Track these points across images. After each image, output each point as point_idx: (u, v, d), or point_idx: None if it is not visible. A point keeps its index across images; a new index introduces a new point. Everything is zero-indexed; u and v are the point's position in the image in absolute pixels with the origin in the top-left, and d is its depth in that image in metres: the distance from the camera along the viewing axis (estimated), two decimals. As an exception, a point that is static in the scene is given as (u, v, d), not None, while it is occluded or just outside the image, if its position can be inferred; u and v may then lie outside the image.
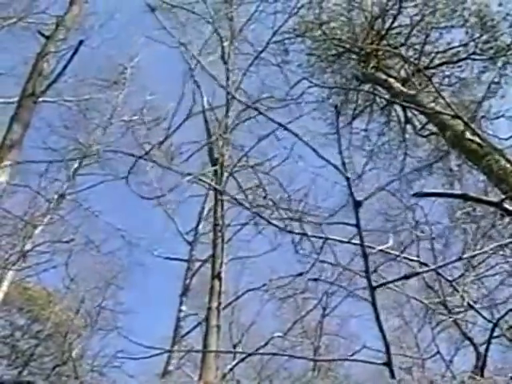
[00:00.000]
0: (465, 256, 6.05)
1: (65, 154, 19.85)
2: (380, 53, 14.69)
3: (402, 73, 14.75)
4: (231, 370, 15.88)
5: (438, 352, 12.05)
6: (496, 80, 13.80)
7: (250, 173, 14.29)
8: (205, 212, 19.93)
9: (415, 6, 14.61)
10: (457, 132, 10.47)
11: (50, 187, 19.23)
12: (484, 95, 13.02)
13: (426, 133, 14.58)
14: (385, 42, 14.89)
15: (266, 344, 17.60)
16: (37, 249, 18.11)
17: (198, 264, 19.18)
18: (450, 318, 9.45)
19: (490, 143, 10.37)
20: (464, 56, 14.59)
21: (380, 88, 14.99)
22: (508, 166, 9.47)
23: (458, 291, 7.39)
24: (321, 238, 5.00)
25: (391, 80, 14.11)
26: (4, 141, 9.36)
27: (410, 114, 15.39)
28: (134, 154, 9.82)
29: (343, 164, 3.54)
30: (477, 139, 10.22)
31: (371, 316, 3.62)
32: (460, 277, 8.83)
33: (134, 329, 18.42)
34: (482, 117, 13.55)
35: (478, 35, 14.27)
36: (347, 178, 3.51)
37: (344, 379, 22.11)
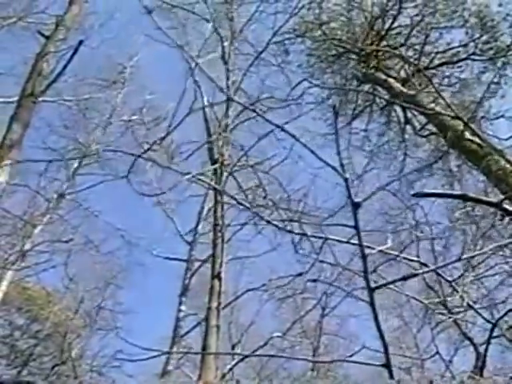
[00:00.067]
0: (464, 256, 6.04)
1: (64, 154, 19.85)
2: (380, 53, 14.69)
3: (402, 73, 14.75)
4: (230, 370, 15.89)
5: (438, 352, 12.05)
6: (496, 80, 13.79)
7: (250, 172, 14.27)
8: (204, 212, 19.93)
9: (415, 6, 14.61)
10: (457, 132, 10.46)
11: (50, 187, 19.24)
12: (483, 95, 13.01)
13: (426, 133, 14.58)
14: (385, 42, 14.89)
15: (266, 344, 17.61)
16: (36, 248, 18.10)
17: (197, 264, 19.18)
18: (450, 318, 9.46)
19: (489, 144, 10.37)
20: (464, 56, 14.59)
21: (380, 88, 15.00)
22: (508, 166, 9.47)
23: (457, 291, 7.39)
24: (320, 238, 5.00)
25: (391, 80, 14.11)
26: (4, 140, 9.35)
27: (409, 115, 15.39)
28: (133, 153, 9.80)
29: (341, 165, 3.54)
30: (477, 139, 10.22)
31: (370, 316, 3.62)
32: (460, 277, 8.83)
33: (134, 329, 18.43)
34: (482, 117, 13.55)
35: (477, 36, 14.27)
36: (345, 180, 3.50)
37: (343, 379, 22.11)
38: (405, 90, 13.32)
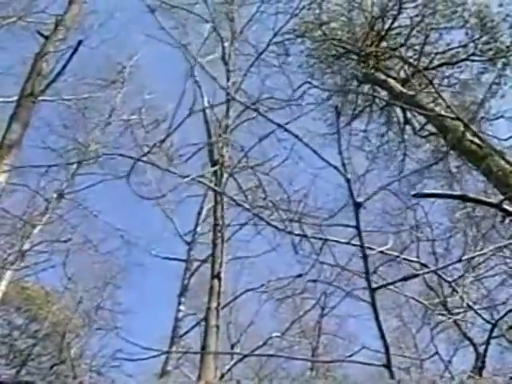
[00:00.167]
0: (465, 257, 6.04)
1: (64, 154, 19.85)
2: (380, 53, 14.68)
3: (402, 73, 14.74)
4: (229, 370, 15.90)
5: (437, 352, 12.05)
6: (496, 81, 13.79)
7: (250, 173, 14.26)
8: (203, 212, 19.92)
9: (415, 6, 14.61)
10: (457, 134, 10.46)
11: (49, 186, 19.24)
12: (485, 96, 13.02)
13: (425, 133, 14.58)
14: (385, 42, 14.88)
15: (264, 344, 17.60)
16: (35, 248, 18.10)
17: (196, 264, 19.18)
18: (450, 318, 9.46)
19: (489, 144, 10.37)
20: (463, 57, 14.58)
21: (380, 88, 15.00)
22: (507, 166, 9.48)
23: (457, 292, 7.39)
24: (320, 239, 4.99)
25: (391, 80, 14.10)
26: (3, 140, 9.34)
27: (409, 115, 15.39)
28: (133, 156, 9.76)
29: (343, 165, 3.54)
30: (476, 140, 10.21)
31: (370, 316, 3.63)
32: (460, 277, 8.84)
33: (133, 329, 18.42)
34: (482, 117, 13.55)
35: (477, 36, 14.27)
36: (347, 179, 3.50)
37: (343, 379, 22.10)
38: (404, 91, 13.32)
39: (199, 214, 20.00)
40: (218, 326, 11.22)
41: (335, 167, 3.44)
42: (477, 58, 14.47)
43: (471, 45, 14.39)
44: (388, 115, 16.34)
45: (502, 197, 8.64)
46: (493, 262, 11.58)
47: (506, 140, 11.98)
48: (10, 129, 9.56)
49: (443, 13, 14.38)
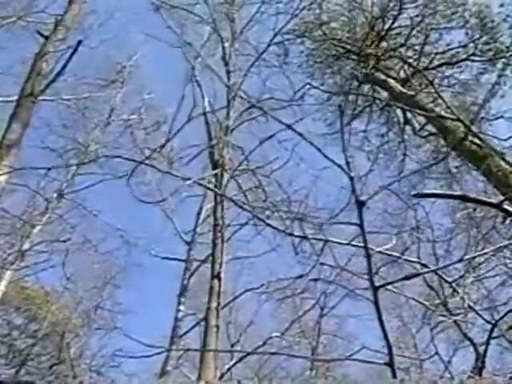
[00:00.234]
0: (466, 257, 6.04)
1: (63, 154, 19.84)
2: (380, 53, 14.67)
3: (402, 73, 14.74)
4: (229, 369, 15.89)
5: (437, 352, 12.04)
6: (497, 81, 13.78)
7: (251, 175, 14.27)
8: (203, 212, 19.94)
9: (416, 6, 14.60)
10: (457, 134, 10.46)
11: (49, 186, 19.24)
12: (486, 97, 13.01)
13: (425, 133, 14.58)
14: (385, 42, 14.87)
15: (264, 344, 17.60)
16: (35, 248, 18.10)
17: (196, 264, 19.18)
18: (450, 319, 9.46)
19: (489, 145, 10.37)
20: (463, 57, 14.58)
21: (380, 88, 15.00)
22: (507, 167, 9.48)
23: (458, 293, 7.39)
24: (321, 240, 4.98)
25: (391, 80, 14.10)
26: (3, 140, 9.33)
27: (409, 115, 15.38)
28: (134, 159, 9.75)
29: (347, 163, 3.53)
30: (476, 141, 10.21)
31: (369, 316, 3.65)
32: (460, 277, 8.84)
33: (132, 329, 18.46)
34: (482, 118, 13.54)
35: (477, 36, 14.26)
36: (351, 178, 3.50)
37: (342, 379, 22.12)
38: (404, 91, 13.32)
39: (199, 214, 20.02)
40: (217, 326, 11.22)
41: (339, 165, 3.44)
42: (477, 59, 14.47)
43: (471, 45, 14.38)
44: (388, 115, 16.34)
45: (502, 197, 8.64)
46: (493, 263, 11.59)
47: (505, 140, 11.98)
48: (9, 129, 9.54)
49: (443, 13, 14.37)
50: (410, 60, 14.76)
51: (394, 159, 16.08)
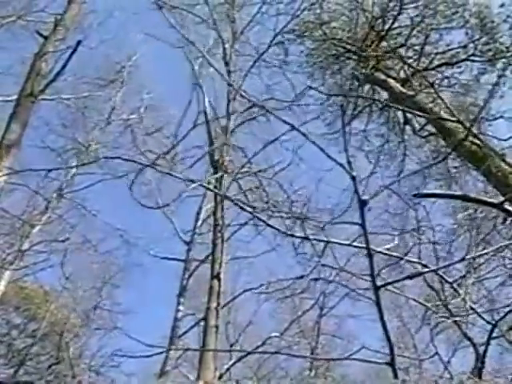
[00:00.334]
0: (467, 257, 6.04)
1: (63, 154, 19.84)
2: (380, 53, 14.66)
3: (402, 73, 14.73)
4: (228, 369, 15.88)
5: (437, 353, 12.02)
6: (497, 81, 13.78)
7: (252, 176, 14.27)
8: (202, 212, 19.94)
9: (416, 7, 14.59)
10: (457, 135, 10.44)
11: (49, 186, 19.22)
12: (487, 98, 13.00)
13: (425, 133, 14.58)
14: (385, 42, 14.86)
15: (263, 344, 17.59)
16: (34, 248, 18.09)
17: (195, 264, 19.17)
18: (449, 319, 9.46)
19: (489, 145, 10.36)
20: (463, 57, 14.57)
21: (380, 88, 14.99)
22: (507, 167, 9.47)
23: (458, 293, 7.39)
24: (323, 241, 4.98)
25: (391, 81, 14.09)
26: (2, 140, 9.31)
27: (409, 115, 15.37)
28: (135, 160, 9.73)
29: (348, 163, 3.53)
30: (476, 141, 10.20)
31: (369, 316, 3.64)
32: (461, 278, 8.83)
33: (132, 328, 18.44)
34: (482, 118, 13.52)
35: (477, 37, 14.25)
36: (353, 177, 3.49)
37: (341, 379, 22.12)
38: (404, 91, 13.31)
39: (198, 214, 20.01)
40: (217, 326, 11.21)
41: (341, 165, 3.43)
42: (477, 59, 14.46)
43: (471, 45, 14.36)
44: (388, 115, 16.33)
45: (502, 197, 8.63)
46: (494, 263, 11.59)
47: (505, 140, 11.97)
48: (9, 129, 9.54)
49: (444, 13, 14.36)
50: (410, 60, 14.75)
51: (394, 159, 16.07)
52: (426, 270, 5.85)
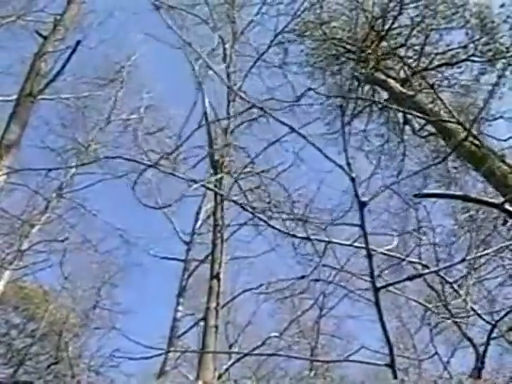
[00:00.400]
0: (468, 257, 6.02)
1: (63, 154, 19.84)
2: (379, 53, 14.66)
3: (402, 73, 14.72)
4: (227, 370, 15.87)
5: (436, 353, 12.02)
6: (497, 82, 13.78)
7: (253, 176, 14.27)
8: (202, 212, 19.93)
9: (416, 7, 14.58)
10: (457, 135, 10.44)
11: (48, 186, 19.22)
12: (487, 99, 12.99)
13: (425, 133, 14.58)
14: (385, 42, 14.85)
15: (263, 344, 17.59)
16: (33, 248, 18.08)
17: (194, 264, 19.16)
18: (449, 319, 9.45)
19: (488, 146, 10.35)
20: (463, 58, 14.56)
21: (379, 88, 14.99)
22: (506, 168, 9.46)
23: (459, 294, 7.38)
24: (323, 241, 4.96)
25: (391, 81, 14.08)
26: (2, 140, 9.30)
27: (409, 115, 15.36)
28: (136, 159, 9.72)
29: (348, 164, 3.51)
30: (476, 142, 10.19)
31: (368, 317, 3.63)
32: (462, 278, 8.83)
33: (131, 328, 18.41)
34: (481, 118, 13.52)
35: (477, 37, 14.25)
36: (352, 179, 3.47)
37: (340, 380, 22.12)
38: (404, 91, 13.30)
39: (198, 213, 20.01)
40: (216, 327, 11.20)
41: (340, 166, 3.41)
42: (476, 59, 14.45)
43: (471, 46, 14.36)
44: (388, 115, 16.33)
45: (502, 198, 8.63)
46: (494, 264, 11.59)
47: (505, 141, 11.96)
48: (8, 128, 9.52)
49: (444, 13, 14.35)
50: (410, 60, 14.75)
51: (393, 159, 16.07)
52: (427, 271, 5.83)
